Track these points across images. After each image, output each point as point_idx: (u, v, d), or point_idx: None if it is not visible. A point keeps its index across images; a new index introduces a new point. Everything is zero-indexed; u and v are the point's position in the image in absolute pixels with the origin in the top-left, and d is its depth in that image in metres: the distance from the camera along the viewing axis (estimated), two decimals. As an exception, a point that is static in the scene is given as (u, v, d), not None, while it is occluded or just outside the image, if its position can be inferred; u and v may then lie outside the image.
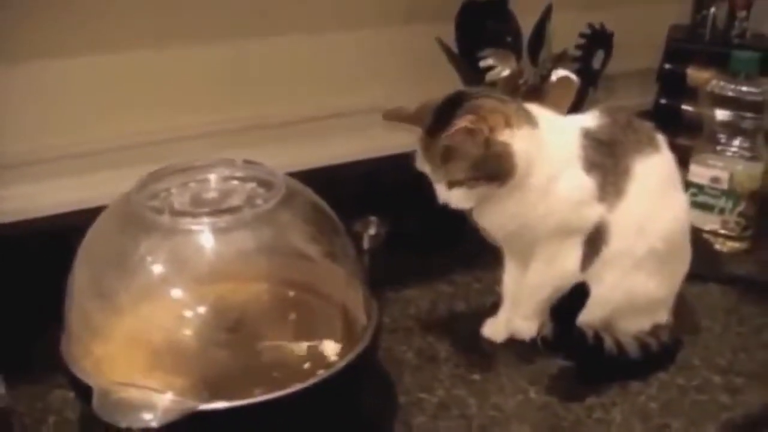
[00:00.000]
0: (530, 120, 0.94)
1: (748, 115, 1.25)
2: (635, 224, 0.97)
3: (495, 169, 0.92)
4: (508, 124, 0.91)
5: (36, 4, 1.07)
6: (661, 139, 1.01)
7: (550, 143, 0.94)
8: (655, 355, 1.01)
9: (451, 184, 0.94)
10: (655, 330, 1.03)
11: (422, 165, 0.96)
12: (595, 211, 0.96)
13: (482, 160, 0.91)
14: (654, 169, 0.98)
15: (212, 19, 1.20)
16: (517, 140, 0.92)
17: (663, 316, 1.03)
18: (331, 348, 0.87)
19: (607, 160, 0.96)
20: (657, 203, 0.99)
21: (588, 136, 0.96)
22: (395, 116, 0.98)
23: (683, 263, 1.04)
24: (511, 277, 1.08)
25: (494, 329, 1.08)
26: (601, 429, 0.91)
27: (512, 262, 1.07)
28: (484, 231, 1.01)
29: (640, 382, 0.99)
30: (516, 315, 1.05)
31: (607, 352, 0.98)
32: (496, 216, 0.98)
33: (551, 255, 0.99)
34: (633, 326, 1.02)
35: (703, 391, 0.97)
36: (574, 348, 0.96)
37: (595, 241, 0.97)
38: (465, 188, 0.93)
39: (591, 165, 0.95)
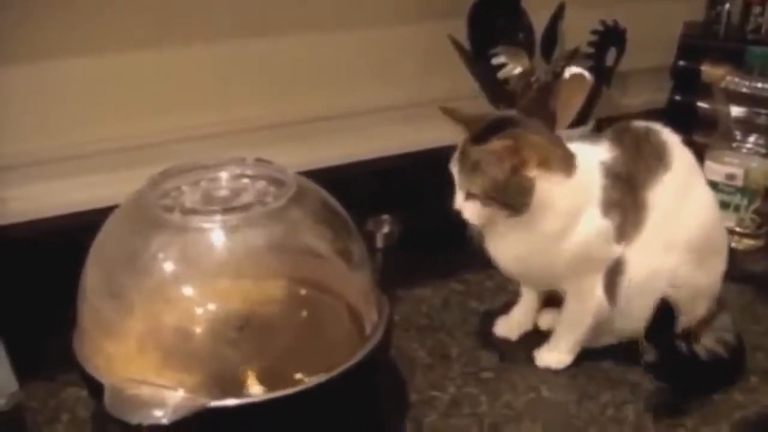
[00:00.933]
0: (568, 169, 0.94)
1: (764, 111, 1.24)
2: (658, 247, 0.97)
3: (511, 199, 0.92)
4: (542, 164, 0.91)
5: (41, 5, 1.08)
6: (671, 147, 0.99)
7: (577, 189, 0.94)
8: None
9: (469, 196, 0.94)
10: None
11: (453, 166, 0.96)
12: (612, 251, 0.96)
13: (503, 185, 0.91)
14: (667, 190, 0.97)
15: (223, 18, 1.20)
16: (544, 182, 0.91)
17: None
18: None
19: (625, 198, 0.95)
20: (678, 215, 0.98)
21: (608, 174, 0.96)
22: (451, 114, 0.98)
23: (720, 253, 1.03)
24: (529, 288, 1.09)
25: (508, 327, 1.08)
26: (614, 427, 0.91)
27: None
28: (498, 267, 1.01)
29: (653, 381, 0.97)
30: (554, 350, 1.03)
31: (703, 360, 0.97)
32: (509, 253, 0.98)
33: (582, 292, 0.99)
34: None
35: (716, 390, 0.97)
36: (681, 365, 0.95)
37: (610, 275, 0.97)
38: (479, 204, 0.93)
39: (609, 206, 0.95)
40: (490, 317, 1.11)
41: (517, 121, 0.96)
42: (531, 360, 1.02)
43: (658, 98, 1.54)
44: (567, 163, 0.94)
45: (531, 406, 0.95)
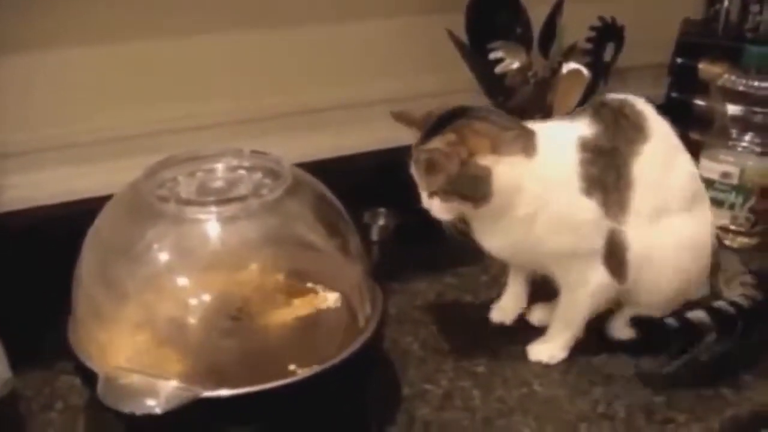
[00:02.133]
0: (527, 148, 0.92)
1: (760, 110, 1.24)
2: (649, 217, 0.96)
3: (469, 190, 0.92)
4: (494, 150, 0.90)
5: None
6: (647, 117, 0.98)
7: (544, 168, 0.93)
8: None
9: (430, 194, 0.95)
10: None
11: (412, 168, 0.97)
12: (602, 230, 0.95)
13: (457, 178, 0.91)
14: (649, 160, 0.96)
15: (221, 8, 1.20)
16: (501, 167, 0.91)
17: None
18: (332, 298, 0.90)
19: (607, 172, 0.94)
20: (664, 182, 0.97)
21: (585, 149, 0.95)
22: (402, 118, 0.98)
23: (704, 201, 1.03)
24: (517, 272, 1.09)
25: (502, 313, 1.09)
26: (605, 423, 0.91)
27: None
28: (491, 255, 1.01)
29: (645, 378, 0.98)
30: (548, 344, 1.03)
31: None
32: (494, 239, 0.98)
33: (575, 281, 0.99)
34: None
35: (708, 387, 0.97)
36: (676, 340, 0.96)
37: (615, 252, 0.96)
38: (442, 201, 0.94)
39: (590, 183, 0.93)
40: (484, 311, 1.11)
41: (462, 111, 0.94)
42: (524, 355, 1.02)
43: (655, 95, 1.53)
44: (525, 144, 0.92)
45: (523, 400, 0.95)
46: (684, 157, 1.01)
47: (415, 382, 0.97)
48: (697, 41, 1.49)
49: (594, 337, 1.03)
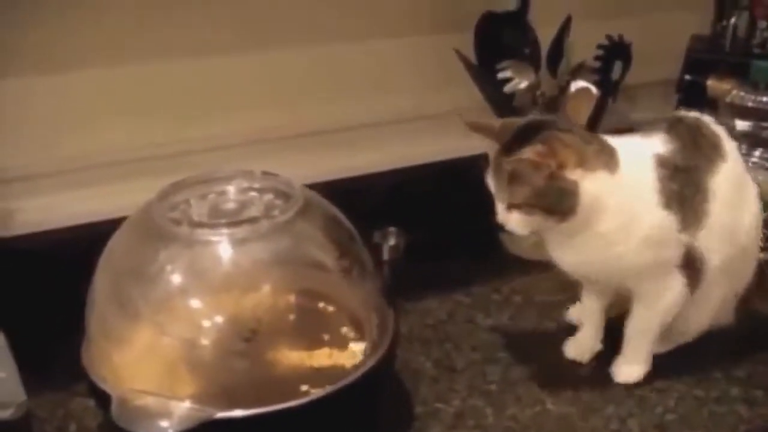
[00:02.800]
0: (610, 164, 0.91)
1: (768, 125, 1.25)
2: (724, 235, 0.97)
3: (555, 204, 0.90)
4: (581, 164, 0.89)
5: (45, 18, 1.08)
6: (723, 138, 1.00)
7: (626, 184, 0.92)
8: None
9: (511, 207, 0.92)
10: None
11: (489, 179, 0.94)
12: (678, 245, 0.95)
13: (544, 191, 0.89)
14: (726, 180, 0.97)
15: (230, 30, 1.21)
16: (588, 182, 0.89)
17: None
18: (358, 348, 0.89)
19: (686, 188, 0.94)
20: (737, 206, 0.99)
21: (664, 165, 0.94)
22: (478, 127, 0.96)
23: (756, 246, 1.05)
24: (591, 300, 1.07)
25: (579, 350, 1.06)
26: (618, 440, 0.92)
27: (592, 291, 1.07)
28: (564, 270, 1.00)
29: (657, 394, 0.99)
30: (630, 362, 1.02)
31: None
32: (570, 255, 0.97)
33: (652, 295, 0.98)
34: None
35: (721, 403, 0.97)
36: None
37: (691, 264, 0.96)
38: (522, 214, 0.91)
39: (669, 198, 0.93)
40: (496, 329, 1.11)
41: (547, 123, 0.93)
42: (537, 373, 1.03)
43: (664, 112, 1.54)
44: (608, 159, 0.91)
45: (536, 418, 0.95)
46: (752, 183, 1.03)
47: (427, 401, 0.98)
48: (705, 57, 1.49)
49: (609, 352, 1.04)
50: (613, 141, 0.95)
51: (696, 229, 0.95)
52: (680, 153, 0.96)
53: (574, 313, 1.10)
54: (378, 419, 0.95)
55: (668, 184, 0.93)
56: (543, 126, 0.92)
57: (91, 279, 0.90)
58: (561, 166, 0.88)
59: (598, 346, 1.06)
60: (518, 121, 0.95)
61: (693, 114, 1.01)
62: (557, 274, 1.00)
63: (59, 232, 1.14)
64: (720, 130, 1.00)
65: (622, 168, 0.92)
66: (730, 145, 1.00)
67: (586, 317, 1.07)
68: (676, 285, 0.97)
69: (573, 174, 0.89)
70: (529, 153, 0.87)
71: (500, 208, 0.94)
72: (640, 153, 0.95)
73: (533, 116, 0.96)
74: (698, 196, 0.95)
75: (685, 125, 0.99)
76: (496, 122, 0.97)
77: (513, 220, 0.93)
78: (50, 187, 1.14)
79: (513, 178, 0.90)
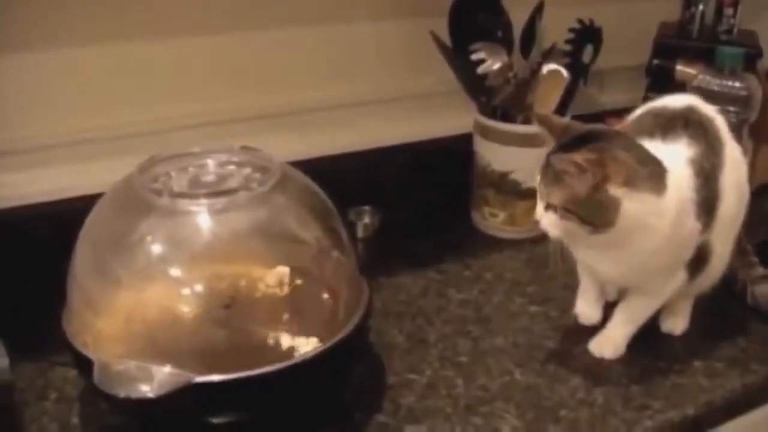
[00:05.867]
0: (659, 187, 0.90)
1: (733, 109, 1.27)
2: (729, 224, 1.00)
3: (591, 215, 0.89)
4: (627, 183, 0.87)
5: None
6: (719, 124, 1.01)
7: (671, 206, 0.91)
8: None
9: (548, 206, 0.92)
10: None
11: (537, 175, 0.94)
12: (695, 243, 0.97)
13: (583, 199, 0.88)
14: (729, 170, 0.98)
15: (214, 10, 1.22)
16: (631, 202, 0.88)
17: None
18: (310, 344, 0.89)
19: (709, 194, 0.96)
20: (737, 190, 1.00)
21: (697, 173, 0.94)
22: (545, 121, 0.96)
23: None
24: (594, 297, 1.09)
25: (611, 349, 1.04)
26: (584, 409, 0.94)
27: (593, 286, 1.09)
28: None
29: (623, 366, 1.02)
30: (611, 339, 1.04)
31: None
32: (607, 267, 0.98)
33: (659, 288, 1.00)
34: None
35: (683, 375, 1.00)
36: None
37: (702, 257, 0.99)
38: (557, 216, 0.91)
39: (700, 207, 0.94)
40: (466, 305, 1.14)
41: (608, 135, 0.92)
42: (506, 345, 1.06)
43: (633, 96, 1.57)
44: (657, 183, 0.90)
45: (505, 388, 0.98)
46: (741, 159, 1.03)
47: (400, 372, 1.00)
48: (674, 43, 1.52)
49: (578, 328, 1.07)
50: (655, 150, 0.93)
51: (711, 228, 0.97)
52: (704, 158, 0.96)
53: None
54: (351, 388, 0.96)
55: (701, 193, 0.94)
56: (606, 136, 0.91)
57: (71, 252, 0.91)
58: (606, 179, 0.87)
59: (602, 310, 1.09)
60: (584, 126, 0.94)
61: (707, 107, 1.02)
62: (526, 252, 1.02)
63: (41, 207, 1.15)
64: (712, 111, 1.01)
65: (669, 191, 0.91)
66: (724, 128, 1.01)
67: (588, 287, 1.09)
68: (679, 277, 0.99)
69: (617, 191, 0.88)
70: (577, 156, 0.86)
71: (540, 206, 0.94)
72: (677, 166, 0.93)
73: (601, 125, 0.95)
74: (715, 196, 0.97)
75: (695, 122, 0.99)
76: (564, 121, 0.97)
77: (547, 220, 0.93)
78: (30, 163, 1.14)
79: (557, 179, 0.90)
